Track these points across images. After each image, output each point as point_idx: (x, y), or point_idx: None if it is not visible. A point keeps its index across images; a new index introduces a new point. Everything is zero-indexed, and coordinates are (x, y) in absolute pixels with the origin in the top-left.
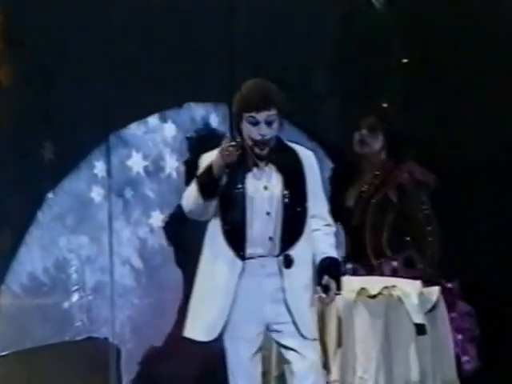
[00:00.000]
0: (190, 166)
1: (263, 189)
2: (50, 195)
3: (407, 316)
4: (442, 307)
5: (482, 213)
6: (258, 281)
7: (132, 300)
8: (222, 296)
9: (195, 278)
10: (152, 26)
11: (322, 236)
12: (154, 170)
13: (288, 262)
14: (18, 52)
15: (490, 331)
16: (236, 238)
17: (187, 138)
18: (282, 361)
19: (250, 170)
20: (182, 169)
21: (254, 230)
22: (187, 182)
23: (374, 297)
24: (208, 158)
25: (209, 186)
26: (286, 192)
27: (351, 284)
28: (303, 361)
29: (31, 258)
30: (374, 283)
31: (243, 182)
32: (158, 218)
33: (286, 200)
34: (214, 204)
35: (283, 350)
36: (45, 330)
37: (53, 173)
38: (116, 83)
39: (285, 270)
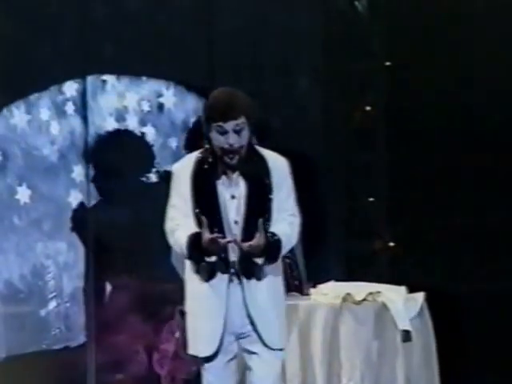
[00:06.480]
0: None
1: (231, 198)
2: (26, 200)
3: (392, 322)
4: (427, 313)
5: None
6: (234, 287)
7: None
8: (215, 307)
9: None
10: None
11: (284, 222)
12: None
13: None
14: None
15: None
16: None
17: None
18: (245, 367)
19: (218, 178)
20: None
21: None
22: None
23: (359, 303)
24: (179, 169)
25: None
26: (250, 200)
27: (337, 289)
28: (265, 367)
29: (7, 265)
30: (359, 289)
31: (214, 191)
32: None
33: (251, 208)
34: None
35: (246, 356)
36: (22, 338)
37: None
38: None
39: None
